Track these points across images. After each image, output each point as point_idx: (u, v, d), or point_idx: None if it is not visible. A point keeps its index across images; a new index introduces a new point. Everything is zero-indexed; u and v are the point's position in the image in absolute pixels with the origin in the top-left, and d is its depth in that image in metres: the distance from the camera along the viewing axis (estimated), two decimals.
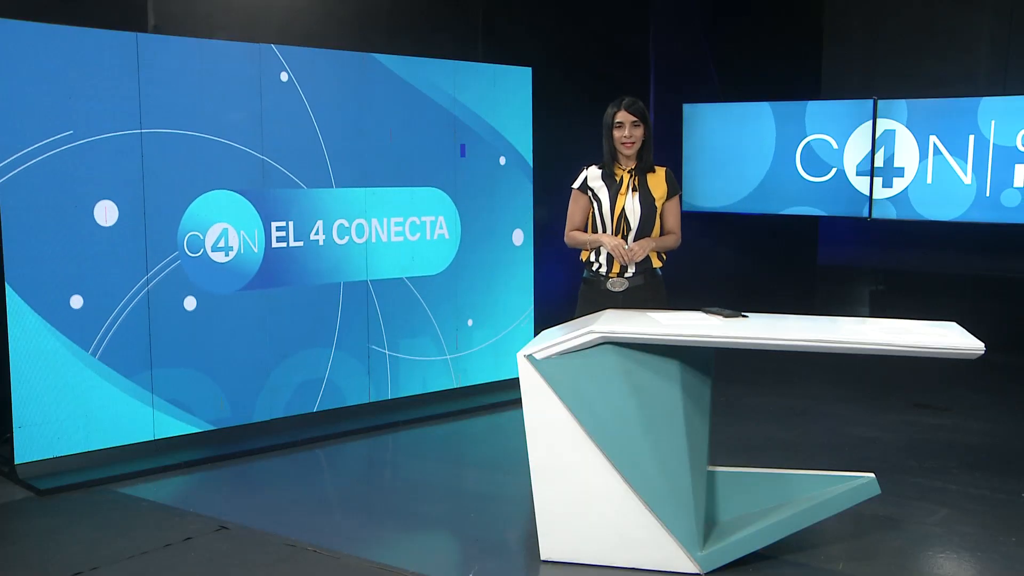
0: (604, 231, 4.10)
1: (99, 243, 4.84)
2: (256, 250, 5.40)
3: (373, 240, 5.86)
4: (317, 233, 5.63)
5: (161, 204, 5.03)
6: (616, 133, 4.07)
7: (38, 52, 4.61)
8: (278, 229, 5.48)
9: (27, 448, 4.68)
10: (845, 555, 3.78)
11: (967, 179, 7.31)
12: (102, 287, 4.85)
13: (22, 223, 4.61)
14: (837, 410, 6.11)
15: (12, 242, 4.59)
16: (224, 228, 5.27)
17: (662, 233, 4.16)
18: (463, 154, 6.23)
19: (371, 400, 5.92)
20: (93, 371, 4.85)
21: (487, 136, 6.34)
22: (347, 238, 5.75)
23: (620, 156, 4.11)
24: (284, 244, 5.51)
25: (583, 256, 4.25)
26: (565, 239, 4.21)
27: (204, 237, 5.19)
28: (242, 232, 5.33)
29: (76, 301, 4.77)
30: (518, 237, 6.50)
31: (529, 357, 3.62)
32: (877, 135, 7.63)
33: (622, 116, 4.07)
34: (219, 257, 5.26)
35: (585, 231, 4.18)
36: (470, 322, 6.28)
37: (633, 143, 4.07)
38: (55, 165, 4.68)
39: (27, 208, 4.62)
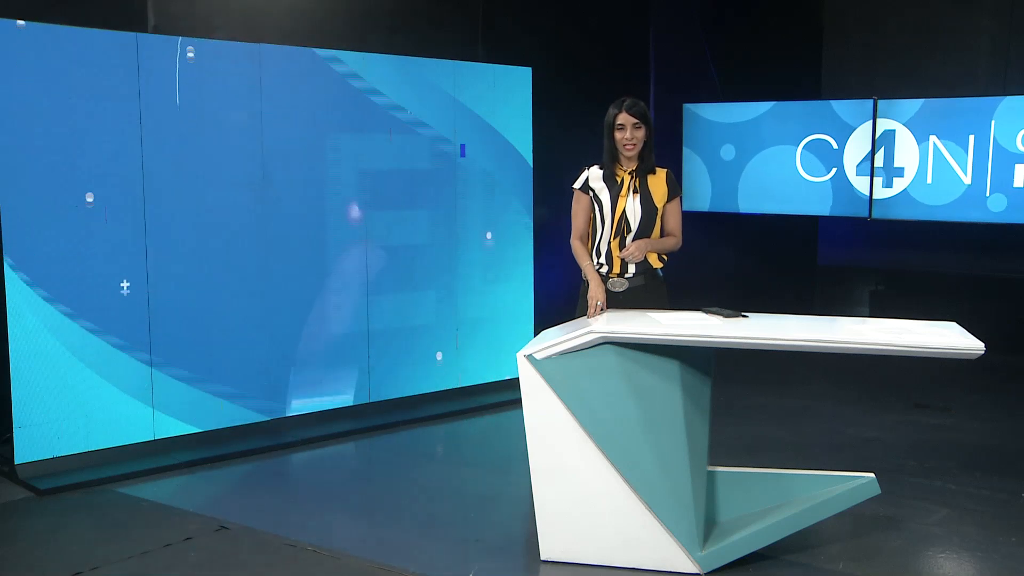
0: (605, 232, 4.09)
1: (100, 241, 4.84)
2: (258, 249, 5.40)
3: (372, 240, 5.86)
4: (317, 232, 5.63)
5: (162, 203, 5.03)
6: (617, 135, 4.06)
7: (38, 52, 4.61)
8: (279, 228, 5.48)
9: (27, 448, 4.68)
10: (845, 555, 3.78)
11: (967, 179, 7.31)
12: (103, 288, 4.85)
13: (23, 222, 4.61)
14: (837, 410, 6.11)
15: (12, 241, 4.59)
16: (226, 228, 5.27)
17: (663, 235, 4.15)
18: (463, 154, 6.23)
19: (371, 400, 5.92)
20: (93, 371, 4.85)
21: (487, 136, 6.34)
22: (346, 238, 5.75)
23: (621, 157, 4.10)
24: (285, 243, 5.50)
25: None
26: (571, 243, 4.20)
27: (206, 236, 5.19)
28: (243, 232, 5.33)
29: (75, 301, 4.78)
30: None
31: (529, 357, 3.62)
32: (877, 135, 7.63)
33: (623, 118, 4.05)
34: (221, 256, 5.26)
35: (588, 233, 4.16)
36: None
37: (635, 145, 4.06)
38: (57, 164, 4.68)
39: (28, 207, 4.62)
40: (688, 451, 3.55)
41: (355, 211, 5.77)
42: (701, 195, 8.37)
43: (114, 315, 4.90)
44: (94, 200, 4.81)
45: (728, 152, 8.22)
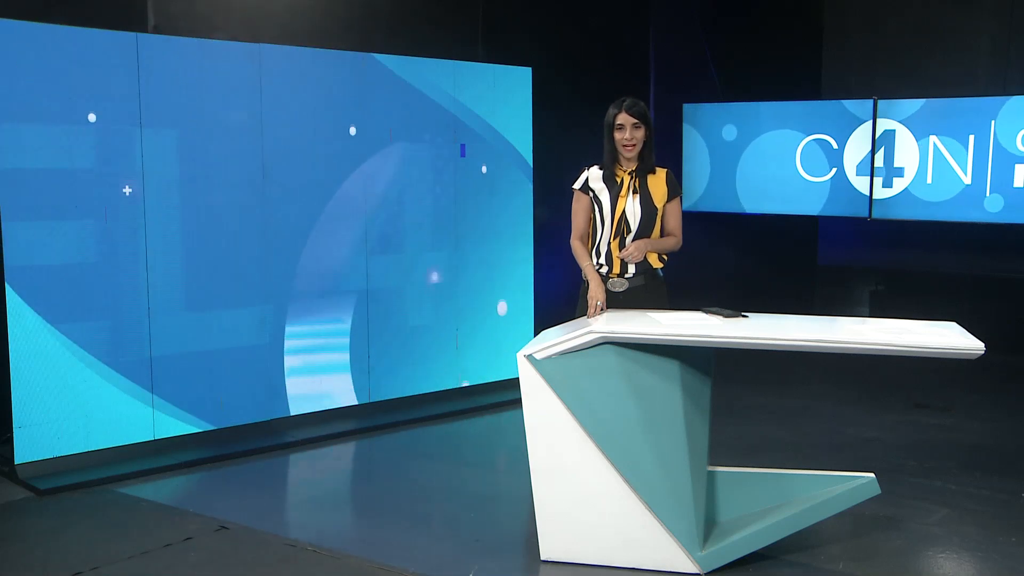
0: (604, 233, 4.09)
1: (99, 242, 4.84)
2: (259, 249, 5.40)
3: (373, 240, 5.86)
4: (318, 233, 5.63)
5: (162, 203, 5.03)
6: (617, 135, 4.06)
7: (38, 52, 4.61)
8: (279, 228, 5.48)
9: (27, 448, 4.68)
10: (845, 555, 3.78)
11: (967, 179, 7.31)
12: (103, 288, 4.85)
13: (23, 223, 4.61)
14: (837, 410, 6.11)
15: (12, 242, 4.59)
16: (226, 228, 5.27)
17: (663, 235, 4.14)
18: (463, 154, 6.23)
19: (371, 400, 5.92)
20: (93, 371, 4.85)
21: (487, 136, 6.34)
22: (348, 238, 5.75)
23: (621, 157, 4.10)
24: (285, 243, 5.50)
25: None
26: (571, 243, 4.19)
27: (206, 236, 5.19)
28: (243, 231, 5.33)
29: (75, 302, 4.77)
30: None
31: (529, 357, 3.62)
32: (877, 135, 7.63)
33: (623, 118, 4.05)
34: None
35: (588, 233, 4.16)
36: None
37: (634, 145, 4.05)
38: (57, 164, 4.68)
39: (28, 208, 4.62)
40: (688, 451, 3.55)
41: (354, 211, 5.77)
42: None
43: (114, 315, 4.90)
44: (94, 200, 4.80)
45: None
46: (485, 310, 6.43)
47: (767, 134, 8.09)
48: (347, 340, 5.79)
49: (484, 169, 6.32)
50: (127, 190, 4.90)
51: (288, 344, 5.56)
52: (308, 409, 5.66)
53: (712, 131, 8.30)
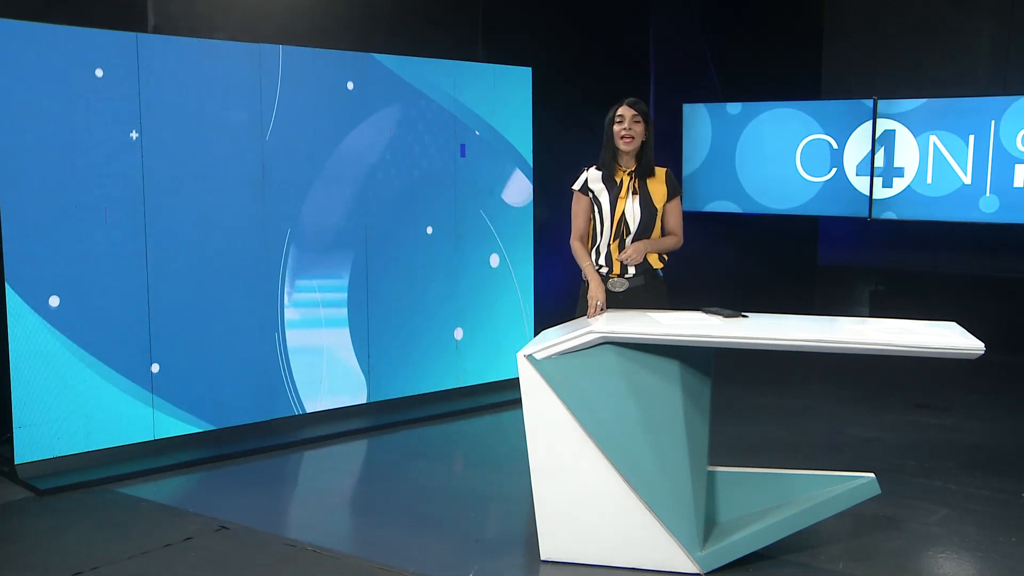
0: (604, 234, 4.09)
1: (99, 241, 4.84)
2: (258, 248, 5.40)
3: (372, 239, 5.86)
4: (317, 233, 5.63)
5: (162, 203, 5.03)
6: (616, 127, 4.06)
7: (38, 52, 4.61)
8: (278, 228, 5.48)
9: (27, 448, 4.68)
10: (845, 555, 3.78)
11: (967, 179, 7.31)
12: (103, 288, 4.85)
13: (23, 223, 4.61)
14: (837, 410, 6.11)
15: (12, 242, 4.59)
16: (226, 227, 5.27)
17: (663, 234, 4.14)
18: (463, 154, 6.23)
19: (371, 400, 5.92)
20: (93, 371, 4.85)
21: (487, 136, 6.34)
22: (346, 238, 5.75)
23: (620, 155, 4.09)
24: (284, 243, 5.51)
25: None
26: (571, 243, 4.19)
27: (206, 235, 5.19)
28: (243, 231, 5.33)
29: (75, 302, 4.77)
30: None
31: (529, 357, 3.62)
32: (877, 135, 7.63)
33: (623, 110, 4.05)
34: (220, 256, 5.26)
35: (588, 234, 4.16)
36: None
37: (632, 138, 4.04)
38: (57, 164, 4.69)
39: (28, 208, 4.61)
40: (688, 451, 3.55)
41: (353, 210, 5.77)
42: (701, 195, 8.36)
43: (114, 315, 4.90)
44: (94, 200, 4.80)
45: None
46: (485, 310, 6.42)
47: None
48: (350, 340, 5.80)
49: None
50: (127, 190, 4.90)
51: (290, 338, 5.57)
52: (308, 409, 5.66)
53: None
